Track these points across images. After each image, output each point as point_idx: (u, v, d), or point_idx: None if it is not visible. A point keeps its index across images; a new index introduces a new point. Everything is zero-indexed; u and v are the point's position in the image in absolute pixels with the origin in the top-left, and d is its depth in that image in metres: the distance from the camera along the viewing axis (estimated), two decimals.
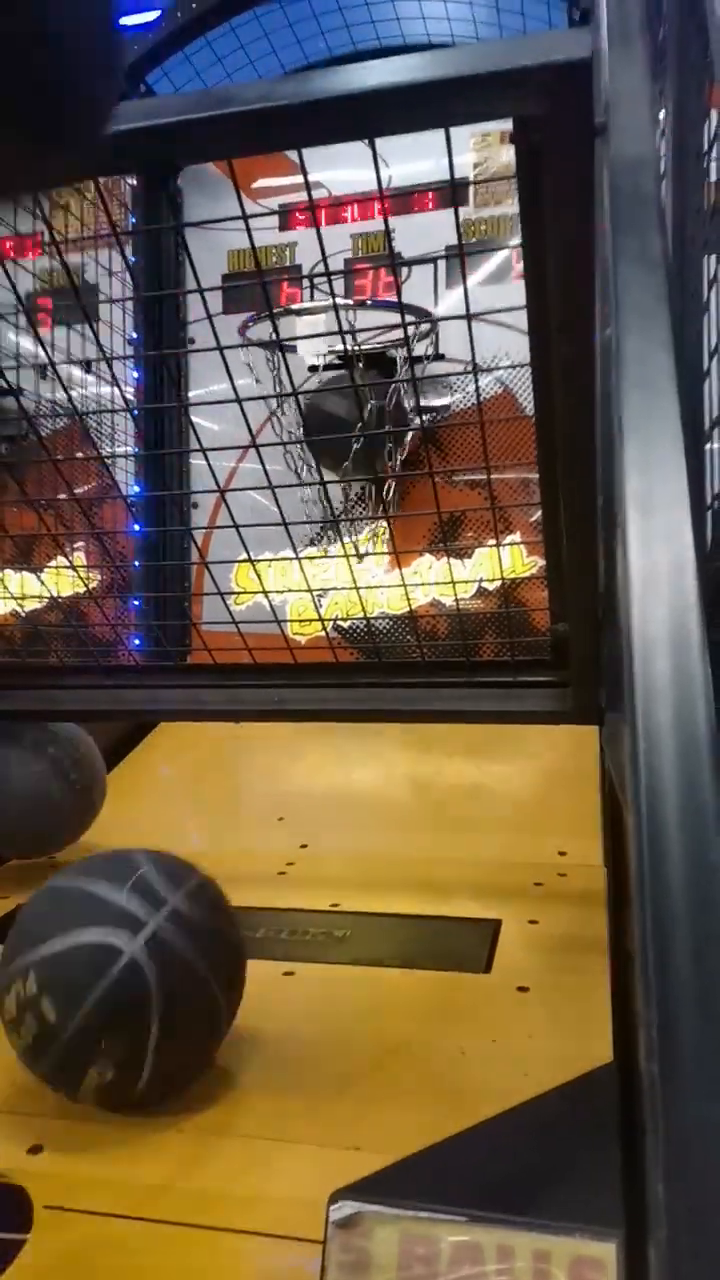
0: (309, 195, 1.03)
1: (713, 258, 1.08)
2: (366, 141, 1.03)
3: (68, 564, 1.84)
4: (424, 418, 2.90)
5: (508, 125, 0.87)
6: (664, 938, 0.47)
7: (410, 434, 2.86)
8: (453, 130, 0.89)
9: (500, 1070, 1.05)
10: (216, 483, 1.69)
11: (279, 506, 1.40)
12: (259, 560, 1.45)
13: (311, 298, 3.07)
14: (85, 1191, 0.88)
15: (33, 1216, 0.85)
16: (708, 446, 1.01)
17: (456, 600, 1.86)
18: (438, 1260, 0.73)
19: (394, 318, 2.59)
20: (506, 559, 2.85)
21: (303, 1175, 0.88)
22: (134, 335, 3.13)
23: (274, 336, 2.39)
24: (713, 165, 1.08)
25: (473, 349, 1.15)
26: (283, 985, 1.30)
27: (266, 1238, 0.82)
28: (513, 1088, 0.96)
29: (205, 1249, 0.82)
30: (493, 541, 2.77)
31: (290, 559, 1.51)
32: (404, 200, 3.00)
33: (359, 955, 1.39)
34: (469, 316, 1.16)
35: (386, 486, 2.81)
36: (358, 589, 1.75)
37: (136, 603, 2.93)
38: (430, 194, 2.97)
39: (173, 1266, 0.80)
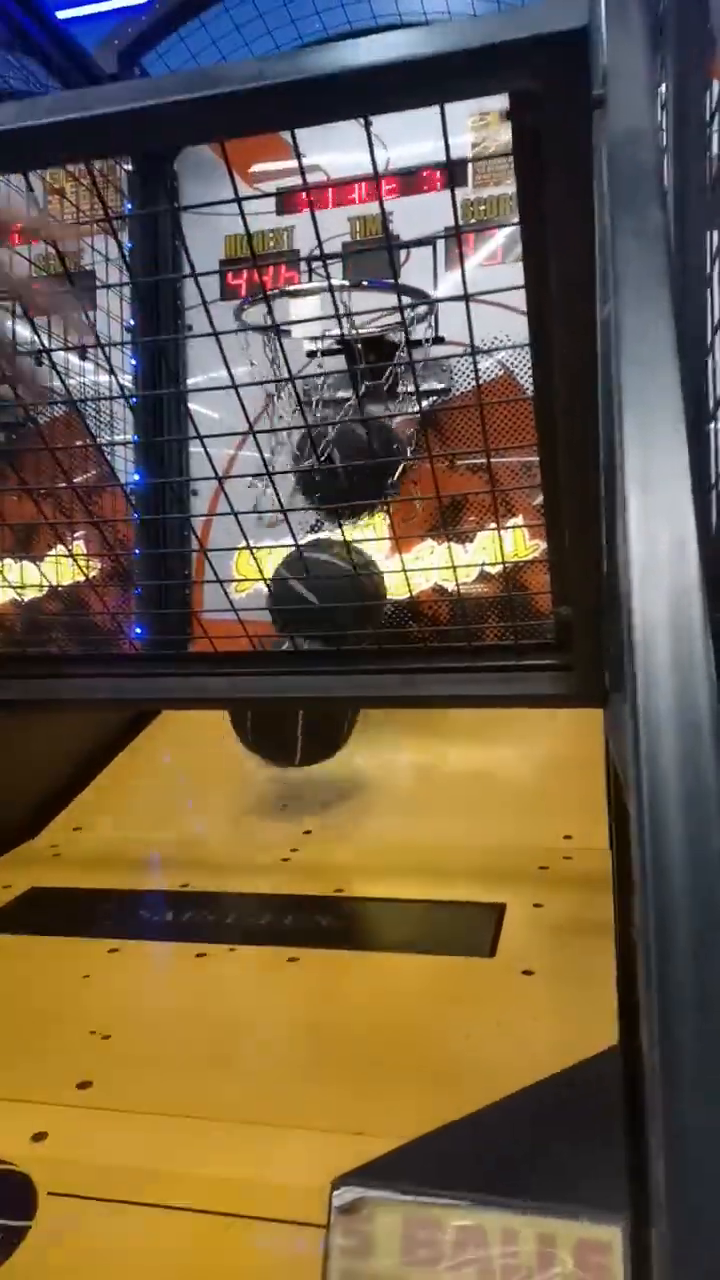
0: (302, 176, 1.02)
1: (716, 232, 1.06)
2: (362, 121, 1.02)
3: (67, 553, 1.83)
4: (423, 402, 2.88)
5: (506, 103, 0.85)
6: (665, 924, 0.46)
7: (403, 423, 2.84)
8: (451, 110, 0.88)
9: (505, 1054, 1.05)
10: (215, 470, 1.67)
11: (277, 494, 1.39)
12: (259, 547, 1.44)
13: (310, 280, 3.05)
14: (89, 1178, 0.88)
15: (36, 1203, 0.85)
16: (711, 424, 1.00)
17: (458, 585, 1.86)
18: (441, 1245, 0.73)
19: (391, 300, 2.57)
20: (509, 542, 2.83)
21: (306, 1160, 0.89)
22: (131, 322, 3.11)
23: (268, 319, 2.36)
24: (715, 137, 1.06)
25: (470, 330, 1.14)
26: (287, 971, 1.30)
27: (270, 1223, 0.82)
28: (517, 1072, 0.96)
29: (209, 1235, 0.82)
30: (494, 525, 2.76)
31: (289, 546, 1.50)
32: (404, 182, 2.97)
33: (363, 940, 1.39)
34: (466, 297, 1.14)
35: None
36: (358, 575, 1.74)
37: (137, 591, 2.93)
38: (431, 175, 2.94)
39: (176, 1252, 0.81)
